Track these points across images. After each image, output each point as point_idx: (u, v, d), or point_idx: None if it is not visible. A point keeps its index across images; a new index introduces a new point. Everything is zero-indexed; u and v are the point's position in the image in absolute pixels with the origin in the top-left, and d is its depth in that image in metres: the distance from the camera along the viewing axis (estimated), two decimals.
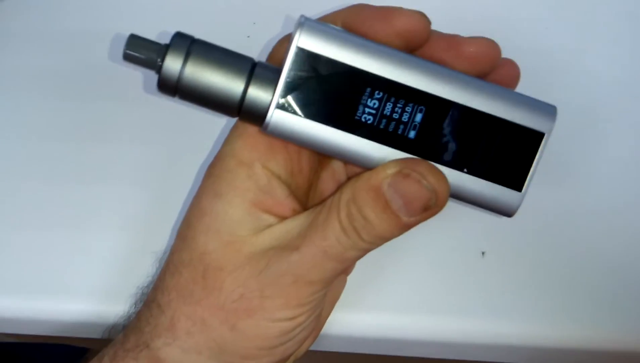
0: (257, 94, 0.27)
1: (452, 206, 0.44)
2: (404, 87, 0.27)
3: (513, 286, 0.45)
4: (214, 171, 0.31)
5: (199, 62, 0.27)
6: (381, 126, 0.27)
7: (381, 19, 0.27)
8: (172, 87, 0.27)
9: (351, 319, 0.43)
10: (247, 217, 0.30)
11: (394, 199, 0.27)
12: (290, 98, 0.27)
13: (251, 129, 0.30)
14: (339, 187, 0.31)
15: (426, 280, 0.45)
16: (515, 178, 0.28)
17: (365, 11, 0.28)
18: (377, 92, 0.27)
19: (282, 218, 0.30)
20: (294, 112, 0.27)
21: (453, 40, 0.28)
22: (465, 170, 0.28)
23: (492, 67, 0.29)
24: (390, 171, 0.27)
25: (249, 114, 0.28)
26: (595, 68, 0.50)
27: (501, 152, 0.28)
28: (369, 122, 0.27)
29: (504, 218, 0.45)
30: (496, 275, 0.46)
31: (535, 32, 0.52)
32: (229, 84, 0.27)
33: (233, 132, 0.31)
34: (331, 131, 0.27)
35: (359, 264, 0.36)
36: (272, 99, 0.27)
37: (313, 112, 0.27)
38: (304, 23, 0.27)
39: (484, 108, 0.27)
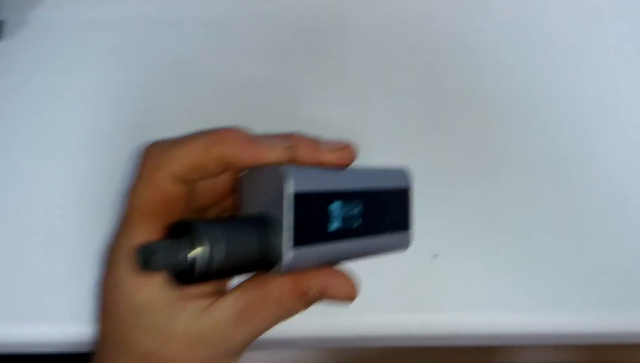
0: (274, 247, 0.31)
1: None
2: (351, 192, 0.34)
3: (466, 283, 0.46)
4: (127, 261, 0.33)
5: (222, 254, 0.30)
6: (347, 226, 0.34)
7: (313, 152, 0.34)
8: (202, 276, 0.30)
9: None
10: (177, 305, 0.33)
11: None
12: (297, 234, 0.31)
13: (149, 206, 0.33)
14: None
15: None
16: (403, 223, 0.38)
17: (309, 147, 0.34)
18: (341, 203, 0.34)
19: (208, 295, 0.34)
20: (304, 244, 0.32)
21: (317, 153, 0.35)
22: (385, 232, 0.37)
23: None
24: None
25: (272, 263, 0.32)
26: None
27: (396, 209, 0.38)
28: (340, 228, 0.33)
29: (455, 222, 0.47)
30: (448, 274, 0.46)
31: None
32: (251, 254, 0.31)
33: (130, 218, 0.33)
34: (327, 247, 0.33)
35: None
36: (287, 244, 0.31)
37: (313, 237, 0.32)
38: (289, 172, 0.31)
39: (384, 186, 0.37)
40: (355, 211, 0.34)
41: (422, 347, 0.46)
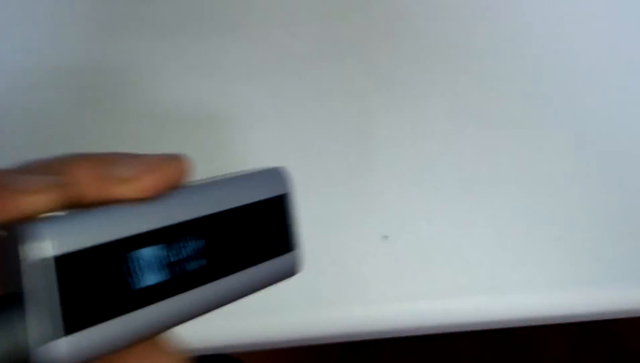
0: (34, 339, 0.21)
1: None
2: (172, 227, 0.24)
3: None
4: None
5: None
6: (170, 277, 0.24)
7: (100, 185, 0.23)
8: None
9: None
10: None
11: None
12: (70, 315, 0.21)
13: None
14: None
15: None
16: (285, 243, 0.29)
17: (94, 179, 0.23)
18: (157, 246, 0.24)
19: None
20: (86, 326, 0.22)
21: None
22: (253, 264, 0.27)
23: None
24: None
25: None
26: None
27: (265, 230, 0.28)
28: (154, 282, 0.24)
29: (407, 204, 0.45)
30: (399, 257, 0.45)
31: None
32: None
33: None
34: (125, 319, 0.23)
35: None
36: (47, 334, 0.21)
37: (104, 310, 0.22)
38: (38, 229, 0.21)
39: (237, 204, 0.27)
40: (190, 249, 0.25)
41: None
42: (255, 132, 0.46)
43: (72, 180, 0.22)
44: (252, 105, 0.47)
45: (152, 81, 0.47)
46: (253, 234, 0.27)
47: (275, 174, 0.29)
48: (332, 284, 0.45)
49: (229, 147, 0.46)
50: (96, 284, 0.22)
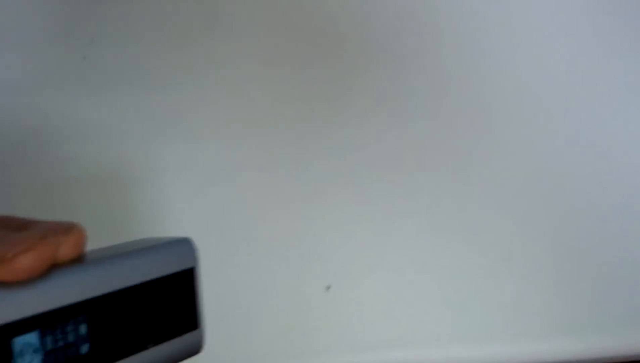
0: None
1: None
2: (53, 312, 0.22)
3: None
4: None
5: None
6: (81, 353, 0.22)
7: None
8: None
9: None
10: None
11: None
12: None
13: None
14: None
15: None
16: (190, 321, 0.27)
17: None
18: (32, 333, 0.21)
19: None
20: None
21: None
22: (149, 346, 0.25)
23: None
24: None
25: None
26: None
27: (168, 307, 0.26)
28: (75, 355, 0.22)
29: (349, 254, 0.45)
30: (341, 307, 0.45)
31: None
32: None
33: None
34: None
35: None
36: None
37: None
38: None
39: (130, 283, 0.24)
40: (72, 335, 0.22)
41: None
42: (172, 189, 0.46)
43: None
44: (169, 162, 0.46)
45: (52, 141, 0.46)
46: (149, 314, 0.25)
47: (183, 246, 0.27)
48: (275, 336, 0.44)
49: (144, 210, 0.45)
50: None
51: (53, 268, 0.22)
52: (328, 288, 0.45)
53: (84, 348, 0.23)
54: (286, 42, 0.46)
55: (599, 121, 0.47)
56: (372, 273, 0.46)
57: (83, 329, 0.23)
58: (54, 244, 0.22)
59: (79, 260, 0.23)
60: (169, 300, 0.26)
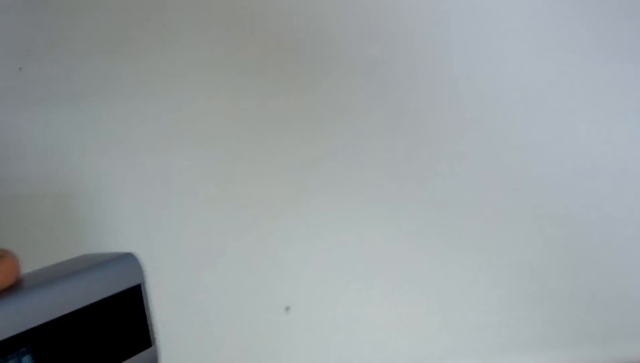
0: None
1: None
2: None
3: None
4: None
5: None
6: None
7: None
8: None
9: None
10: None
11: None
12: None
13: None
14: None
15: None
16: (142, 339, 0.25)
17: None
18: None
19: None
20: None
21: None
22: None
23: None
24: None
25: None
26: None
27: (118, 327, 0.25)
28: None
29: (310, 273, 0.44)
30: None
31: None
32: None
33: None
34: None
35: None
36: None
37: None
38: None
39: (74, 307, 0.23)
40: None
41: None
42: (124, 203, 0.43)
43: None
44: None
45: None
46: (98, 336, 0.24)
47: (129, 262, 0.26)
48: (235, 357, 0.42)
49: (85, 226, 0.43)
50: None
51: None
52: (287, 309, 0.43)
53: None
54: (236, 49, 0.44)
55: (571, 129, 0.47)
56: (333, 293, 0.44)
57: (27, 361, 0.21)
58: None
59: (16, 287, 0.21)
60: (118, 319, 0.24)
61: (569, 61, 0.47)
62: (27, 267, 0.23)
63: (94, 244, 0.42)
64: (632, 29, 0.47)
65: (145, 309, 0.26)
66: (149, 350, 0.26)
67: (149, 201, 0.43)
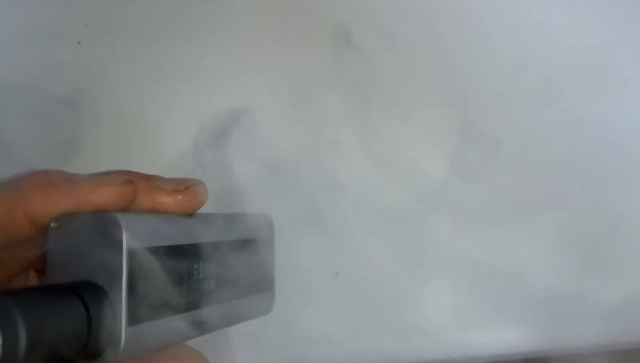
0: (103, 328, 0.23)
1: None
2: (202, 246, 0.27)
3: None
4: None
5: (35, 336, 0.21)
6: (198, 293, 0.27)
7: (149, 193, 0.27)
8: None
9: None
10: None
11: None
12: (137, 308, 0.23)
13: None
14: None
15: None
16: (266, 282, 0.32)
17: (145, 186, 0.27)
18: (189, 262, 0.26)
19: None
20: (142, 321, 0.24)
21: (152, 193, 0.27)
22: (244, 295, 0.30)
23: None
24: None
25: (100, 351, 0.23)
26: None
27: (255, 268, 0.31)
28: (190, 294, 0.26)
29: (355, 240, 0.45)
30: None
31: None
32: (67, 339, 0.22)
33: None
34: (179, 318, 0.26)
35: None
36: (122, 321, 0.23)
37: (153, 310, 0.24)
38: (121, 221, 0.23)
39: (241, 236, 0.30)
40: (209, 270, 0.27)
41: None
42: None
43: (134, 181, 0.26)
44: None
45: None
46: (249, 267, 0.30)
47: (267, 220, 0.33)
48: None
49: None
50: (150, 286, 0.24)
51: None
52: (337, 274, 0.45)
53: (211, 284, 0.27)
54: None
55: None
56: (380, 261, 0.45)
57: (214, 268, 0.28)
58: (201, 189, 0.28)
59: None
60: (258, 260, 0.31)
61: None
62: None
63: None
64: None
65: (273, 259, 0.32)
66: (271, 293, 0.32)
67: None
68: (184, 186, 0.27)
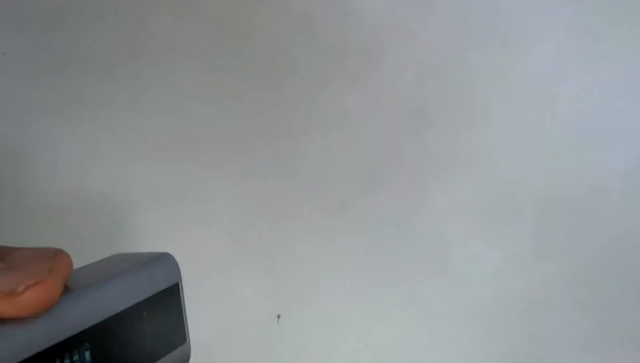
0: None
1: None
2: (57, 346, 0.21)
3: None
4: None
5: None
6: None
7: None
8: None
9: None
10: None
11: None
12: None
13: None
14: None
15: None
16: (178, 335, 0.27)
17: None
18: (79, 351, 0.22)
19: None
20: None
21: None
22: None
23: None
24: None
25: None
26: None
27: (160, 324, 0.26)
28: None
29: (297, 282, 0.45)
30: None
31: None
32: None
33: None
34: None
35: None
36: None
37: None
38: None
39: (124, 306, 0.24)
40: (95, 356, 0.22)
41: None
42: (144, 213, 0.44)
43: None
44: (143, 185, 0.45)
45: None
46: (148, 331, 0.25)
47: (167, 261, 0.27)
48: None
49: (116, 230, 0.44)
50: None
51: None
52: (279, 317, 0.44)
53: None
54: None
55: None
56: (323, 301, 0.45)
57: (87, 357, 0.22)
58: (61, 276, 0.21)
59: (69, 288, 0.22)
60: (160, 317, 0.26)
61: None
62: None
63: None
64: None
65: (182, 306, 0.27)
66: (184, 345, 0.27)
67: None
68: (23, 286, 0.20)
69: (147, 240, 0.44)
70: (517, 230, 0.46)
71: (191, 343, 0.28)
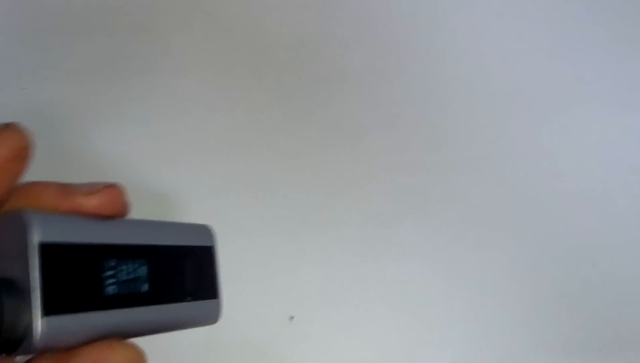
0: (20, 319, 0.24)
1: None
2: (129, 247, 0.28)
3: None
4: None
5: None
6: (125, 292, 0.27)
7: (61, 196, 0.27)
8: None
9: None
10: None
11: None
12: (53, 300, 0.24)
13: None
14: None
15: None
16: (212, 290, 0.32)
17: (55, 192, 0.27)
18: (112, 260, 0.27)
19: None
20: (60, 313, 0.24)
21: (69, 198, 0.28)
22: (188, 299, 0.30)
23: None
24: None
25: (12, 343, 0.24)
26: None
27: (196, 272, 0.31)
28: (116, 292, 0.27)
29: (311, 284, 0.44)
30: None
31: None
32: None
33: None
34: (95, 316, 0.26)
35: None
36: (36, 313, 0.24)
37: (73, 303, 0.25)
38: (31, 217, 0.25)
39: (176, 242, 0.30)
40: (138, 272, 0.28)
41: None
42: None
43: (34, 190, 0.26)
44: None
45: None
46: (187, 272, 0.30)
47: (207, 229, 0.33)
48: None
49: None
50: (68, 279, 0.25)
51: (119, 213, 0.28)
52: (291, 318, 0.43)
53: (144, 287, 0.28)
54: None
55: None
56: (336, 304, 0.44)
57: (144, 270, 0.28)
58: (118, 190, 0.28)
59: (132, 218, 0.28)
60: (199, 267, 0.31)
61: None
62: None
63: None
64: None
65: (216, 267, 0.32)
66: (216, 300, 0.32)
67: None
68: (98, 187, 0.27)
69: None
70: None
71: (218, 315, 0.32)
